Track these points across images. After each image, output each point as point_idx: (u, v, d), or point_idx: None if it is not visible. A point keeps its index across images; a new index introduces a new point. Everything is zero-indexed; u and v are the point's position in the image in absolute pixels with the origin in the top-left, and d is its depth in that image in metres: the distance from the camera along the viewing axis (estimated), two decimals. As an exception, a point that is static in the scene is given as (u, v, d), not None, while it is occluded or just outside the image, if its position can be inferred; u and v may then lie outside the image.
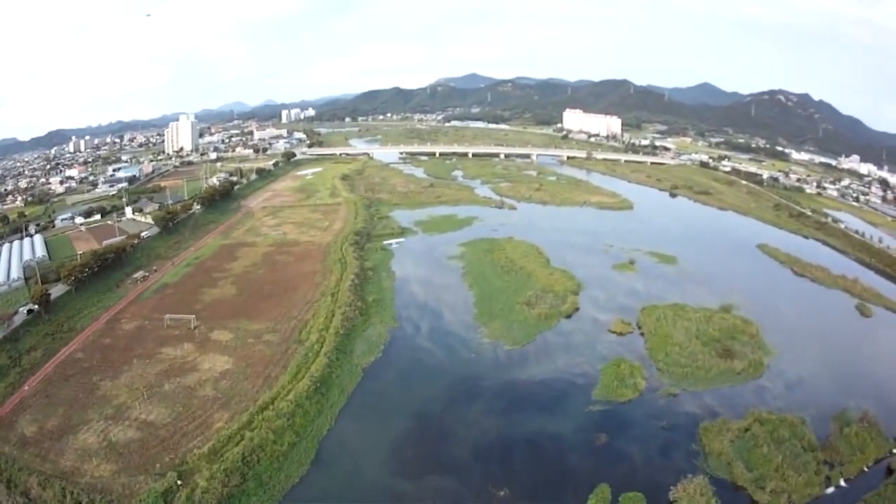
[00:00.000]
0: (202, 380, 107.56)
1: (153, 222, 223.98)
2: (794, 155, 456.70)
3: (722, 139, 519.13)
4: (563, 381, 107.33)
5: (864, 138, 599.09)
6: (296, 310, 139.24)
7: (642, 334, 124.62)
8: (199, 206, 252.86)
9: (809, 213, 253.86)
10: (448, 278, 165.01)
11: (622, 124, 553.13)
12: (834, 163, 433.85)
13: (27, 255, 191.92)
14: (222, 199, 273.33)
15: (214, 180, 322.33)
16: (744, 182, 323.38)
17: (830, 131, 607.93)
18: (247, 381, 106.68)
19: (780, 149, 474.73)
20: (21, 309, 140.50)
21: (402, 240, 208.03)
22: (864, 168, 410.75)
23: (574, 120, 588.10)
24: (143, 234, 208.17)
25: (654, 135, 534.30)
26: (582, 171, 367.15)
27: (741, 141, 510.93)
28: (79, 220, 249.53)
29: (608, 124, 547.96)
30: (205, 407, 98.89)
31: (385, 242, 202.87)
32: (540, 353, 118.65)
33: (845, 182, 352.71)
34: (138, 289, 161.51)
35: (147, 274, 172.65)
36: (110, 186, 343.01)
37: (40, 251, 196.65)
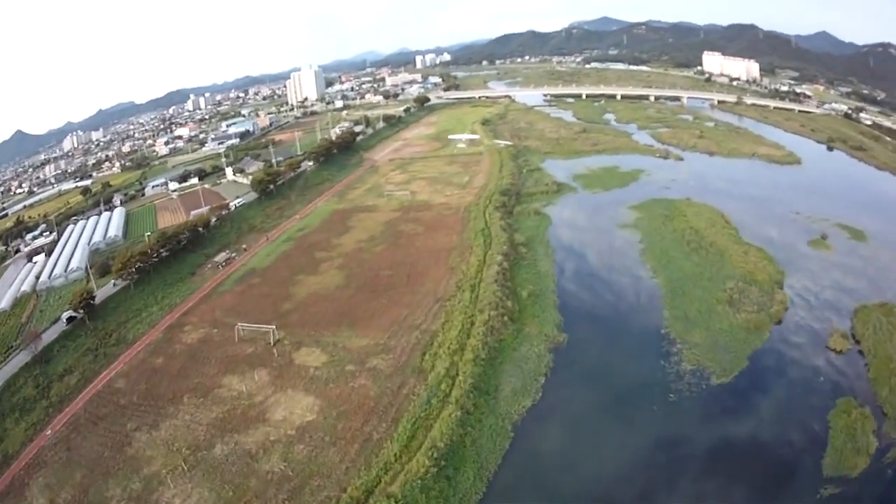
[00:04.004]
0: (270, 440, 75.47)
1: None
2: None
3: (850, 89, 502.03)
4: (786, 439, 76.43)
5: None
6: (420, 312, 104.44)
7: (861, 352, 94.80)
8: (311, 163, 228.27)
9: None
10: (623, 257, 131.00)
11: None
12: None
13: (99, 236, 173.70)
14: (341, 152, 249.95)
15: (337, 130, 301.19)
16: (888, 139, 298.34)
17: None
18: (334, 446, 72.80)
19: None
20: (63, 315, 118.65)
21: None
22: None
23: (714, 63, 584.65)
24: (234, 202, 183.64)
25: (789, 81, 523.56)
26: (734, 117, 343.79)
27: (865, 92, 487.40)
28: (172, 185, 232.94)
29: (748, 68, 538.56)
30: (265, 495, 66.70)
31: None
32: (754, 390, 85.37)
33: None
34: (218, 276, 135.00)
35: (233, 255, 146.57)
36: (219, 144, 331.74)
37: (115, 229, 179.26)
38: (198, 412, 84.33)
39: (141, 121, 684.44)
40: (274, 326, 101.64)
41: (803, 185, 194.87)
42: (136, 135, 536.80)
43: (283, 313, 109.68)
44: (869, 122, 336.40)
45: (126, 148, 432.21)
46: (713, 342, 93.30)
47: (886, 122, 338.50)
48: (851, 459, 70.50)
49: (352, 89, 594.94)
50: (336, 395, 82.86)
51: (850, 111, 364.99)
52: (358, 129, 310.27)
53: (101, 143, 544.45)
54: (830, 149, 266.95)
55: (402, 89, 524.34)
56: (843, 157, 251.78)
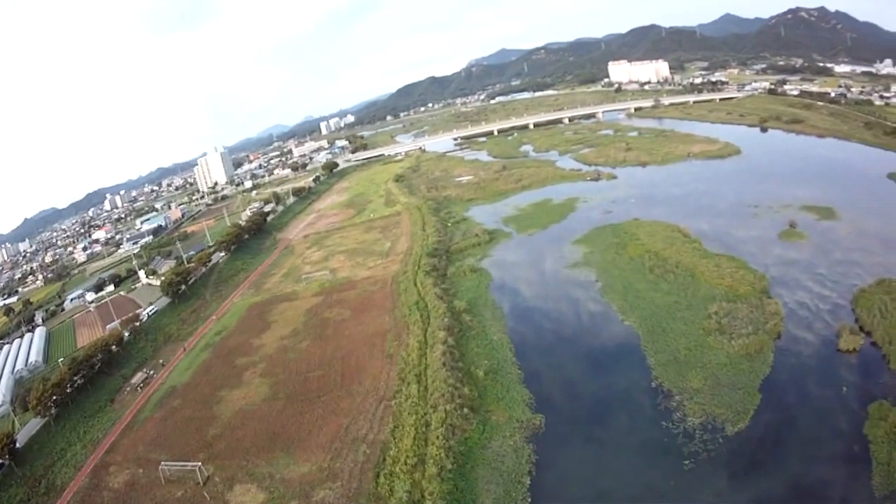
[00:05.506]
0: None
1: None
2: (836, 69, 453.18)
3: (764, 65, 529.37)
4: (827, 475, 64.84)
5: (886, 41, 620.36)
6: (362, 420, 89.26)
7: (874, 343, 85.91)
8: (222, 254, 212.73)
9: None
10: (582, 303, 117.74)
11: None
12: (873, 70, 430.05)
13: (22, 362, 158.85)
14: (253, 236, 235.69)
15: (248, 213, 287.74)
16: (820, 104, 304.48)
17: (856, 39, 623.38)
18: None
19: (820, 65, 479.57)
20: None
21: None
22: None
23: (621, 72, 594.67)
24: (146, 310, 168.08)
25: (701, 72, 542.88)
26: (655, 121, 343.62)
27: (781, 63, 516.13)
28: (89, 296, 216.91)
29: (657, 69, 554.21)
30: None
31: None
32: (777, 427, 72.79)
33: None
34: (138, 401, 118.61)
35: (150, 373, 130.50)
36: (134, 244, 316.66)
37: (35, 354, 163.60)
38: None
39: (63, 227, 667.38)
40: (200, 463, 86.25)
41: (751, 174, 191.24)
42: (59, 242, 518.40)
43: (210, 440, 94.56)
44: (796, 93, 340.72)
45: (49, 258, 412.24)
46: (715, 383, 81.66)
47: (813, 88, 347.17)
48: (897, 470, 62.08)
49: (260, 167, 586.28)
50: (282, 544, 68.67)
51: (773, 86, 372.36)
52: (268, 207, 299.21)
53: (28, 255, 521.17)
54: (765, 130, 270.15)
55: (311, 158, 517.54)
56: (781, 135, 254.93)
